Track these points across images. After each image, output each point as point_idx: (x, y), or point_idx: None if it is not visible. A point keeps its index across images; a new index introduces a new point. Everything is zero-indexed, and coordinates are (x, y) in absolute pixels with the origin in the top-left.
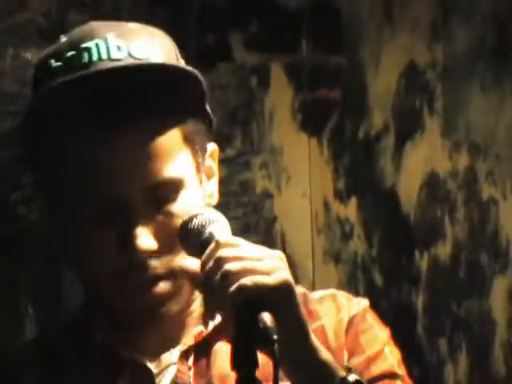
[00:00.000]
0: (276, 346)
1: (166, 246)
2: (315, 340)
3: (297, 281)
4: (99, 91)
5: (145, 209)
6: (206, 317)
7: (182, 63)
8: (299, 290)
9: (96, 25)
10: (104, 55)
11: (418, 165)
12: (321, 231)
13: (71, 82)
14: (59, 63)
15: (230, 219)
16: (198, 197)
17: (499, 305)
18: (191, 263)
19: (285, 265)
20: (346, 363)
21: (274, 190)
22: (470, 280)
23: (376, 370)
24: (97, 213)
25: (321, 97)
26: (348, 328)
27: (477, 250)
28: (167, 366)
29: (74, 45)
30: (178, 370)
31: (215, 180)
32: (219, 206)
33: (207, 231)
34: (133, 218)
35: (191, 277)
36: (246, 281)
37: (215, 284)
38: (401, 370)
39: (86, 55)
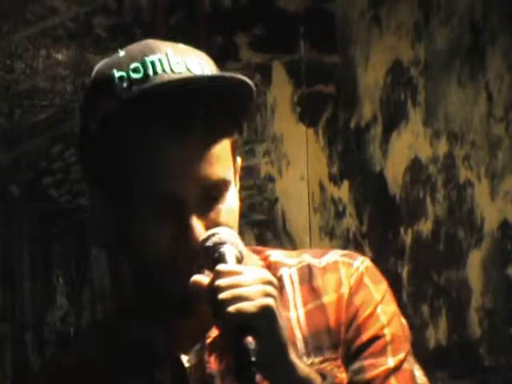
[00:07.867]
0: (253, 368)
1: None
2: (295, 356)
3: None
4: (169, 101)
5: (200, 206)
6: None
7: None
8: (305, 259)
9: (152, 42)
10: (167, 69)
11: (402, 151)
12: (317, 210)
13: (148, 90)
14: (122, 73)
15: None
16: (236, 196)
17: (474, 274)
18: (204, 279)
19: (272, 289)
20: (344, 339)
21: (276, 174)
22: (449, 253)
23: (367, 334)
24: (157, 207)
25: (317, 91)
26: (348, 304)
27: (454, 226)
28: (198, 359)
29: (136, 58)
30: (207, 362)
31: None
32: None
33: (219, 251)
34: (189, 212)
35: (202, 292)
36: (231, 308)
37: (215, 311)
38: (392, 328)
39: (150, 67)
